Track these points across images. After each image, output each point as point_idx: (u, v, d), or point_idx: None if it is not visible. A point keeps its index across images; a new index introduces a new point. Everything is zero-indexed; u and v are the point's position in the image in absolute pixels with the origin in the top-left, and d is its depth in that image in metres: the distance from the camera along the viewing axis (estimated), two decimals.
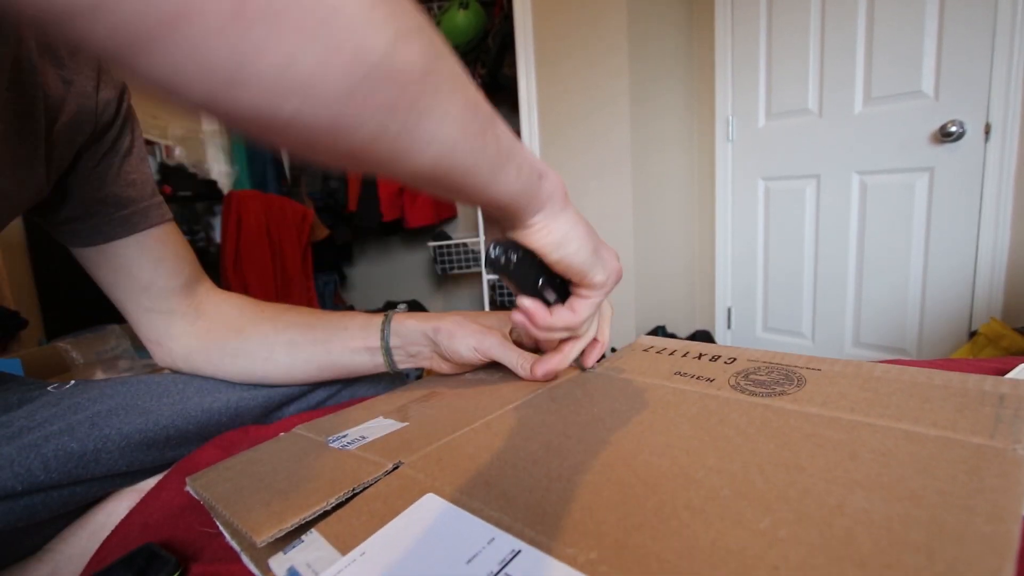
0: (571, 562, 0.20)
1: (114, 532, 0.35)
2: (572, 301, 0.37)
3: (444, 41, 0.23)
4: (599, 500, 0.24)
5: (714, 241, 2.17)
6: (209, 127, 2.25)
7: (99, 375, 1.51)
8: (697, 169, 2.20)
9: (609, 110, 1.97)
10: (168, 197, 2.01)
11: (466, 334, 0.46)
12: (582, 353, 0.43)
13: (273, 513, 0.27)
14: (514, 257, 0.33)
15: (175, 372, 0.49)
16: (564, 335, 0.38)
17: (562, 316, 0.36)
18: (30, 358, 1.50)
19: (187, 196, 2.08)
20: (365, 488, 0.29)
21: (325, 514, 0.27)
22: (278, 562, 0.24)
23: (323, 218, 2.44)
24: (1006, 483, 0.20)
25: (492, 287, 2.41)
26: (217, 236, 2.31)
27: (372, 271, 3.08)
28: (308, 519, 0.27)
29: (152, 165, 1.95)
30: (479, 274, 2.43)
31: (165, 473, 0.41)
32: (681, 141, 2.17)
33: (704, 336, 2.14)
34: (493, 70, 2.35)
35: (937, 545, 0.18)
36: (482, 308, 2.44)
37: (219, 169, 2.25)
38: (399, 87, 0.19)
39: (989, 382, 0.30)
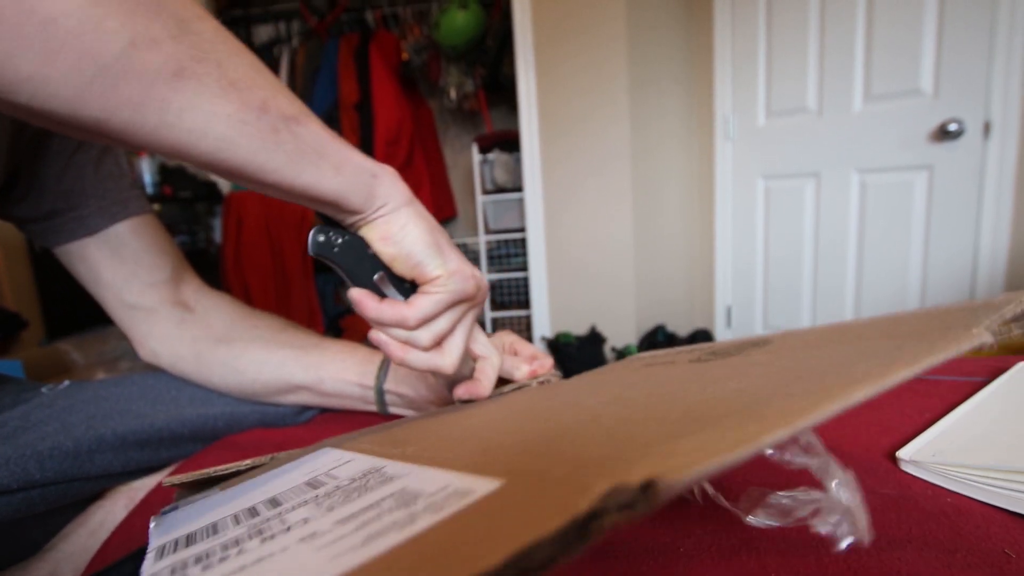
0: (387, 456, 0.22)
1: (116, 531, 0.35)
2: (412, 297, 0.35)
3: (217, 49, 0.25)
4: (465, 429, 0.26)
5: (714, 240, 2.17)
6: None
7: (100, 376, 1.51)
8: (696, 167, 2.20)
9: (609, 109, 1.97)
10: (168, 198, 2.01)
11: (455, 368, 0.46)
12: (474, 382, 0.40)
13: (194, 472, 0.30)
14: (339, 240, 0.33)
15: (165, 372, 0.49)
16: (400, 333, 0.35)
17: (394, 309, 0.33)
18: (31, 359, 1.50)
19: (187, 197, 2.08)
20: (289, 456, 0.32)
21: (242, 472, 0.31)
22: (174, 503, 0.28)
23: (323, 219, 2.44)
24: (925, 348, 0.18)
25: (493, 287, 2.41)
26: (217, 237, 2.31)
27: None
28: (216, 474, 0.30)
29: (152, 167, 1.95)
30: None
31: (169, 471, 0.41)
32: (680, 140, 2.17)
33: (704, 335, 2.14)
34: (493, 70, 2.35)
35: (783, 389, 0.17)
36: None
37: None
38: (143, 86, 0.22)
39: (984, 300, 0.25)
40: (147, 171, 1.93)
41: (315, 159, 0.29)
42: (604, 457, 0.14)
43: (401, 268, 0.34)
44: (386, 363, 0.47)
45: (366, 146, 2.43)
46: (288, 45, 2.56)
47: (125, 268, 0.45)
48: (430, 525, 0.14)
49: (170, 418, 0.42)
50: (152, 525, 0.25)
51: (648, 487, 0.10)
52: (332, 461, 0.26)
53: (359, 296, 0.33)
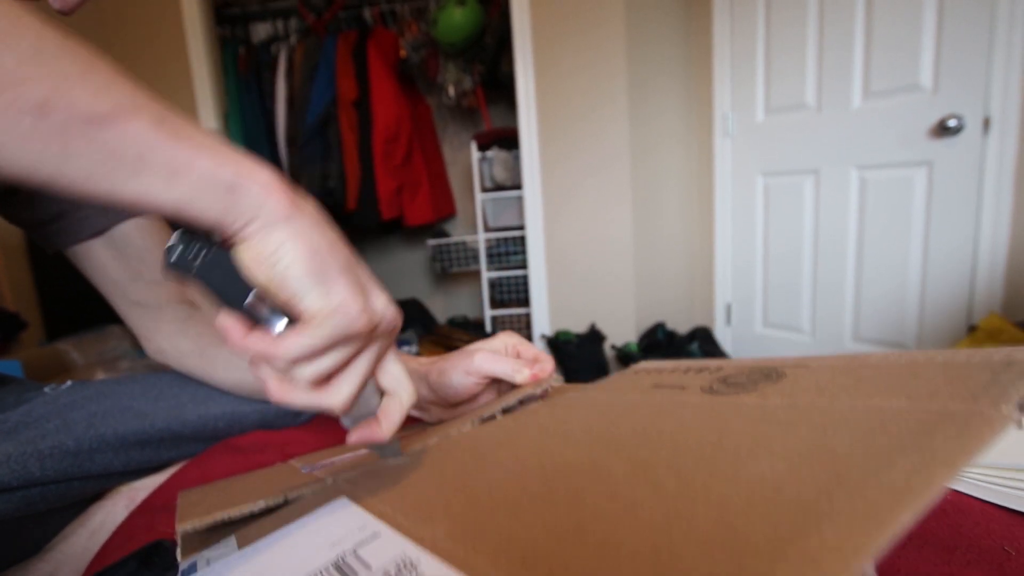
0: (419, 540, 0.21)
1: (116, 532, 0.35)
2: (286, 331, 0.29)
3: None
4: (490, 494, 0.23)
5: (713, 237, 2.17)
6: (207, 125, 2.25)
7: (100, 376, 1.51)
8: (696, 165, 2.20)
9: (607, 106, 1.97)
10: None
11: (455, 363, 0.45)
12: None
13: (204, 511, 0.29)
14: (202, 253, 0.27)
15: (167, 370, 0.49)
16: (270, 366, 0.29)
17: (262, 342, 0.27)
18: (30, 359, 1.50)
19: None
20: (298, 499, 0.30)
21: (256, 516, 0.29)
22: (189, 556, 0.27)
23: None
24: (958, 442, 0.17)
25: (492, 286, 2.41)
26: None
27: (372, 269, 3.06)
28: (229, 519, 0.29)
29: None
30: (478, 273, 2.43)
31: (171, 473, 0.41)
32: (679, 137, 2.17)
33: (703, 333, 2.14)
34: (491, 68, 2.35)
35: (825, 498, 0.16)
36: (481, 307, 2.44)
37: None
38: None
39: (1002, 352, 0.25)
40: None
41: (135, 167, 0.24)
42: None
43: (274, 298, 0.28)
44: None
45: (365, 143, 2.43)
46: (286, 43, 2.55)
47: (130, 267, 0.45)
48: None
49: (171, 418, 0.42)
50: None
51: None
52: (355, 530, 0.24)
53: (223, 323, 0.27)
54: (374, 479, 0.30)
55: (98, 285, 0.47)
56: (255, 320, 0.28)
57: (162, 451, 0.42)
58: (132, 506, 0.37)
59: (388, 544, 0.22)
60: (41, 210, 0.42)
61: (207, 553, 0.26)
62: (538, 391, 0.41)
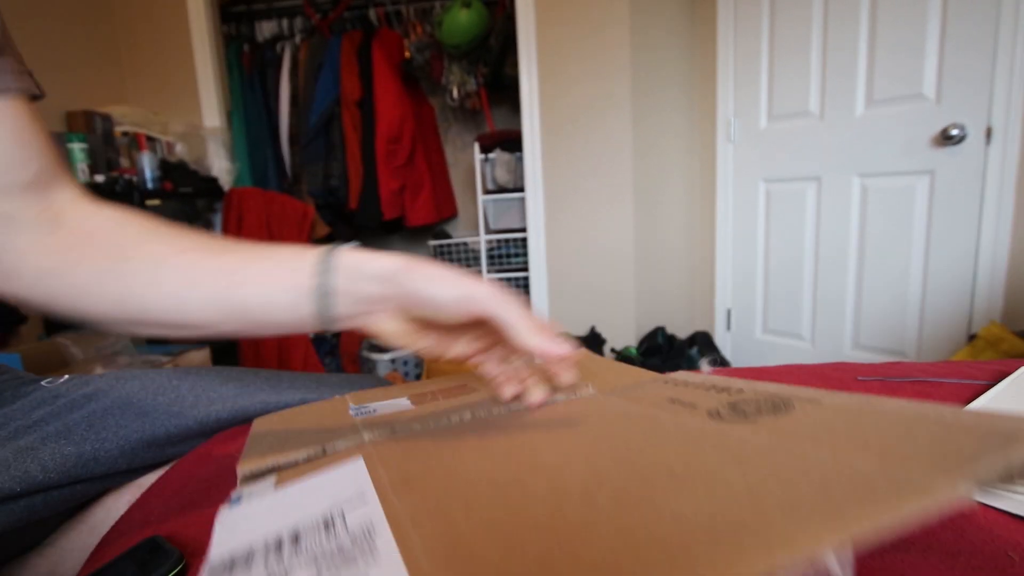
0: (391, 514, 0.24)
1: (114, 527, 0.35)
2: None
3: None
4: (464, 495, 0.25)
5: (714, 242, 2.17)
6: (210, 124, 2.25)
7: (98, 371, 1.51)
8: (698, 170, 2.20)
9: (611, 110, 1.97)
10: (169, 193, 2.00)
11: (449, 278, 0.33)
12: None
13: (264, 455, 0.33)
14: None
15: (20, 301, 0.37)
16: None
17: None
18: (30, 353, 1.50)
19: (188, 193, 2.07)
20: (333, 451, 0.34)
21: (298, 463, 0.33)
22: (239, 488, 0.31)
23: (324, 216, 2.43)
24: (874, 515, 0.18)
25: None
26: (218, 233, 2.31)
27: None
28: (281, 465, 0.33)
29: (153, 161, 1.95)
30: (479, 274, 2.43)
31: (166, 469, 0.41)
32: (682, 142, 2.17)
33: (704, 338, 2.14)
34: (495, 69, 2.35)
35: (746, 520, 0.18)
36: None
37: (220, 166, 2.25)
38: None
39: (1009, 422, 0.24)
40: (147, 166, 1.93)
41: None
42: None
43: None
44: (329, 253, 0.34)
45: (368, 143, 2.43)
46: (291, 42, 2.55)
47: None
48: None
49: (171, 415, 0.42)
50: (218, 518, 0.27)
51: None
52: (353, 489, 0.27)
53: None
54: (392, 444, 0.34)
55: None
56: None
57: (167, 448, 0.42)
58: (134, 501, 0.37)
59: (368, 509, 0.25)
60: None
61: (251, 488, 0.31)
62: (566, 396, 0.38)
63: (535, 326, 0.32)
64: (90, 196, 0.38)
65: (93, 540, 0.35)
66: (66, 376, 0.44)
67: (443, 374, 0.50)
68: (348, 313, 0.34)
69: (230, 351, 2.16)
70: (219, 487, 0.36)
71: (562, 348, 0.32)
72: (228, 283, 0.34)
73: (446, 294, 0.32)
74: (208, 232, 0.40)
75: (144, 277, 0.34)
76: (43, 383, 0.42)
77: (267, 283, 0.34)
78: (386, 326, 0.35)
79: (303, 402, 0.50)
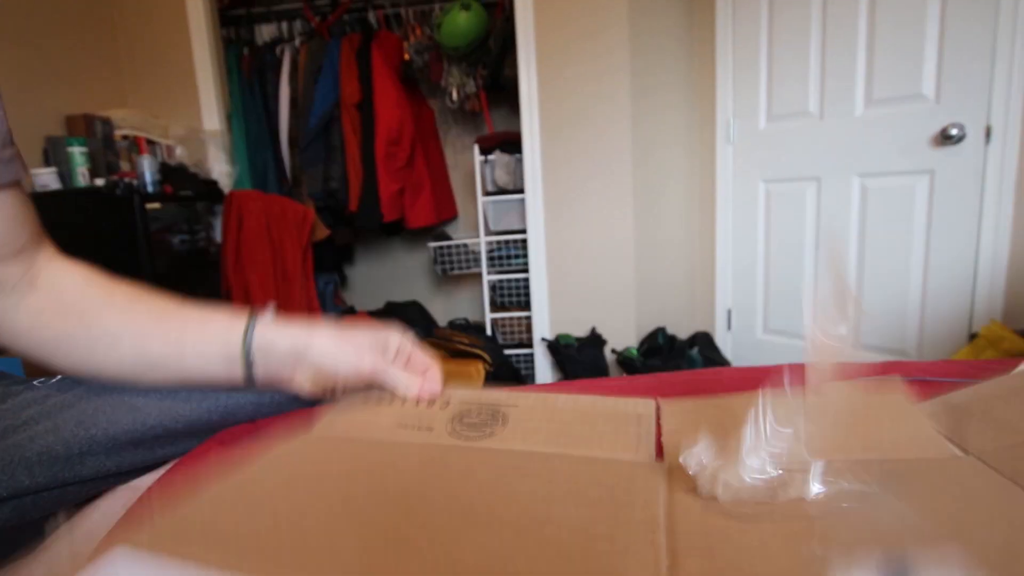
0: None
1: (112, 531, 0.35)
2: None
3: None
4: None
5: (714, 243, 2.17)
6: (210, 127, 2.25)
7: None
8: (698, 170, 2.20)
9: (610, 111, 1.97)
10: (168, 197, 2.00)
11: (346, 354, 0.42)
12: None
13: None
14: None
15: (22, 355, 0.42)
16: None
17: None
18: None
19: (188, 196, 2.08)
20: None
21: None
22: None
23: (324, 218, 2.43)
24: (648, 484, 0.30)
25: (493, 288, 2.41)
26: (217, 236, 2.31)
27: (372, 272, 3.07)
28: None
29: (153, 165, 1.95)
30: (479, 275, 2.42)
31: (166, 469, 0.41)
32: (682, 143, 2.17)
33: (704, 338, 2.14)
34: (494, 71, 2.35)
35: (616, 532, 0.25)
36: (482, 309, 2.44)
37: (220, 169, 2.25)
38: None
39: (632, 404, 0.40)
40: (147, 169, 1.92)
41: None
42: None
43: None
44: (250, 328, 0.42)
45: (367, 146, 2.43)
46: (290, 44, 2.56)
47: None
48: None
49: (163, 411, 0.41)
50: None
51: None
52: None
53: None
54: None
55: None
56: None
57: (156, 449, 0.41)
58: (130, 505, 0.37)
59: None
60: None
61: None
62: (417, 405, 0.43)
63: (408, 383, 0.42)
64: (60, 254, 0.44)
65: (89, 543, 0.35)
66: (59, 376, 0.44)
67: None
68: (269, 379, 0.44)
69: None
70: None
71: (431, 392, 0.42)
72: (173, 352, 0.42)
73: (340, 370, 0.42)
74: (151, 291, 0.44)
75: (102, 346, 0.41)
76: (35, 383, 0.42)
77: (204, 354, 0.42)
78: (303, 385, 0.44)
79: (297, 399, 0.49)
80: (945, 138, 1.55)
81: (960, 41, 1.51)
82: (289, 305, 2.32)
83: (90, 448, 0.37)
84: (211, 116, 2.24)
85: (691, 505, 0.27)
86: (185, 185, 2.08)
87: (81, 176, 1.95)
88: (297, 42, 2.56)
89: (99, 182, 1.93)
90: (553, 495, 0.29)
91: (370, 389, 0.44)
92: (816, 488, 0.27)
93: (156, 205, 2.02)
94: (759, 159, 2.00)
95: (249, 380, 0.43)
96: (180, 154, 2.18)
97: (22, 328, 0.40)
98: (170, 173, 2.06)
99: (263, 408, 0.47)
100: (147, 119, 2.15)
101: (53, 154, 1.95)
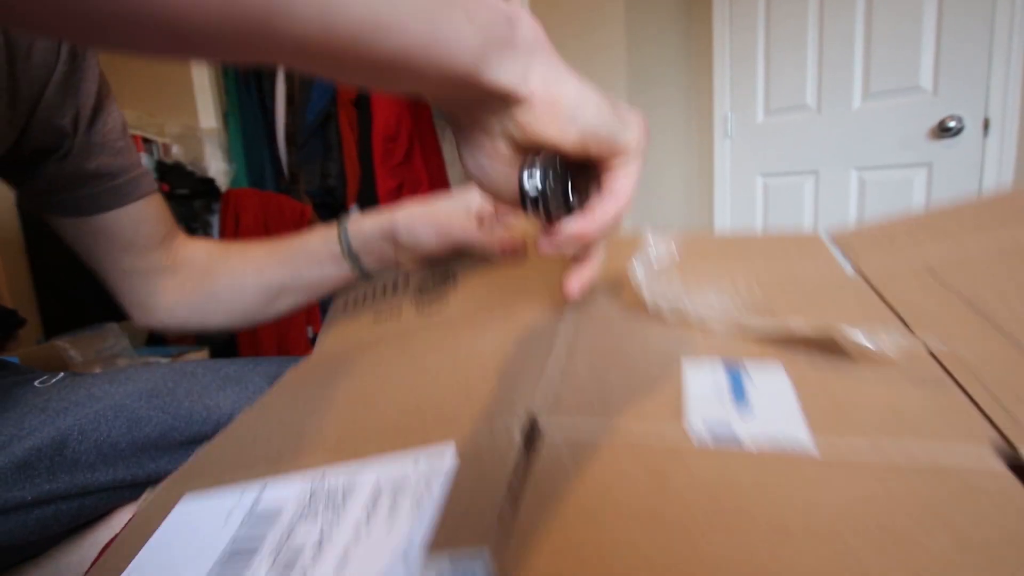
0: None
1: (115, 539, 0.35)
2: (609, 183, 0.28)
3: None
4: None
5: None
6: (207, 125, 2.24)
7: (99, 372, 1.50)
8: (695, 164, 2.20)
9: None
10: (165, 195, 2.00)
11: (426, 223, 0.44)
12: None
13: None
14: (552, 176, 0.25)
15: (155, 328, 0.51)
16: (607, 234, 0.29)
17: (607, 207, 0.27)
18: (28, 356, 1.50)
19: (184, 194, 2.07)
20: None
21: None
22: None
23: (322, 215, 2.43)
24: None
25: None
26: (215, 234, 2.30)
27: None
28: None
29: (149, 163, 1.94)
30: None
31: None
32: (679, 138, 2.17)
33: None
34: None
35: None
36: None
37: (217, 167, 2.25)
38: None
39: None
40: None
41: (446, 3, 0.19)
42: None
43: (584, 149, 0.26)
44: (343, 228, 0.47)
45: (365, 142, 2.42)
46: None
47: (129, 235, 0.46)
48: None
49: (163, 426, 0.41)
50: None
51: None
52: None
53: (582, 227, 0.27)
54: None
55: (90, 253, 0.47)
56: (569, 211, 0.28)
57: (161, 461, 0.41)
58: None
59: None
60: (80, 162, 0.43)
61: None
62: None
63: (492, 243, 0.43)
64: (188, 237, 0.53)
65: (92, 554, 0.35)
66: (61, 374, 0.43)
67: None
68: (378, 265, 0.48)
69: (229, 353, 2.16)
70: None
71: (581, 287, 0.36)
72: (290, 270, 0.48)
73: (429, 241, 0.44)
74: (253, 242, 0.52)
75: (230, 293, 0.48)
76: (36, 383, 0.42)
77: (315, 264, 0.47)
78: (407, 264, 0.47)
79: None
80: (943, 130, 1.55)
81: (957, 32, 1.50)
82: None
83: (98, 457, 0.37)
84: (208, 114, 2.23)
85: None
86: (182, 183, 2.08)
87: None
88: None
89: None
90: (494, 350, 0.31)
91: (462, 256, 0.46)
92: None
93: None
94: (757, 153, 2.00)
95: (361, 272, 0.47)
96: (177, 152, 2.17)
97: (170, 303, 0.48)
98: (167, 171, 2.05)
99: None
100: (143, 117, 2.14)
101: None
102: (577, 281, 0.33)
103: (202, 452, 0.31)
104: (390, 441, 0.24)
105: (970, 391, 0.21)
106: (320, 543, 0.19)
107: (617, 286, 0.37)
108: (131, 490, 0.40)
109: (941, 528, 0.15)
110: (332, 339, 0.44)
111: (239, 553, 0.21)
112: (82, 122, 0.42)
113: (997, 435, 0.19)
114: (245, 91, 2.54)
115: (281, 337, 2.30)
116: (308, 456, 0.25)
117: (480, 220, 0.44)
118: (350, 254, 0.47)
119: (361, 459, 0.23)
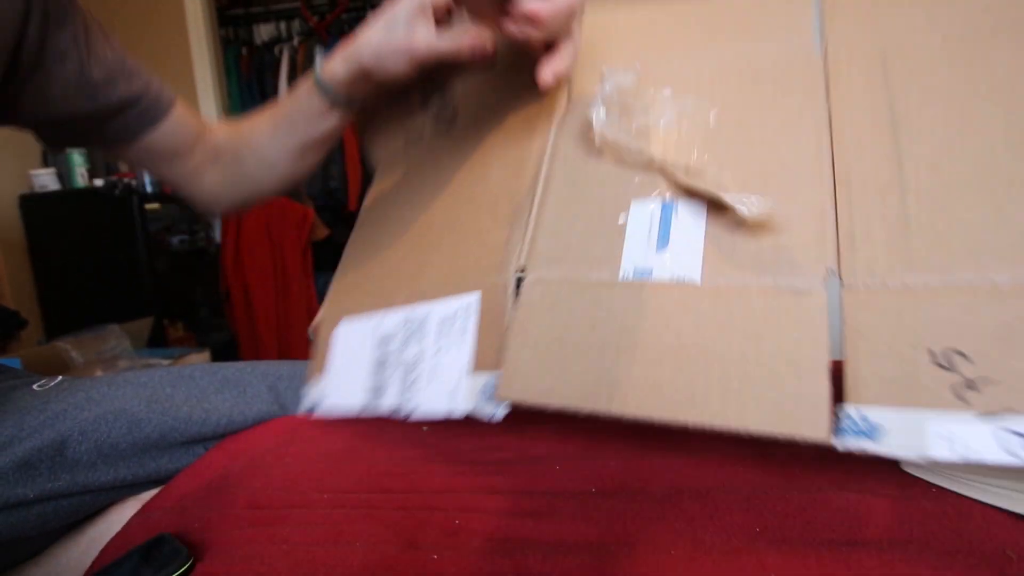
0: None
1: (118, 534, 0.35)
2: None
3: None
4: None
5: None
6: None
7: (99, 375, 1.51)
8: None
9: None
10: (169, 197, 2.01)
11: (392, 50, 0.40)
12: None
13: None
14: None
15: (200, 207, 0.57)
16: (566, 13, 0.33)
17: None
18: (30, 358, 1.50)
19: None
20: None
21: None
22: None
23: (323, 217, 2.43)
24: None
25: None
26: (217, 235, 2.31)
27: None
28: None
29: None
30: None
31: (170, 482, 0.41)
32: None
33: None
34: None
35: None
36: None
37: None
38: None
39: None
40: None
41: None
42: None
43: None
44: (318, 78, 0.47)
45: None
46: (289, 44, 2.56)
47: (177, 144, 0.51)
48: None
49: (162, 429, 0.41)
50: None
51: None
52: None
53: (539, 6, 0.32)
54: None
55: (153, 171, 0.54)
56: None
57: (162, 461, 0.41)
58: (137, 510, 0.37)
59: None
60: (127, 86, 0.46)
61: None
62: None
63: (461, 49, 0.40)
64: (209, 119, 0.57)
65: (92, 551, 0.35)
66: (59, 377, 0.43)
67: None
68: (357, 100, 0.48)
69: (230, 355, 2.16)
70: (223, 493, 0.36)
71: (556, 75, 0.38)
72: (284, 126, 0.50)
73: (398, 67, 0.41)
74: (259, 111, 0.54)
75: (255, 161, 0.53)
76: (34, 387, 0.42)
77: (303, 110, 0.48)
78: (389, 91, 0.49)
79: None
80: None
81: None
82: (289, 304, 2.32)
83: (98, 458, 0.37)
84: (210, 116, 2.24)
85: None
86: None
87: (80, 177, 1.95)
88: (296, 42, 2.56)
89: (98, 183, 1.93)
90: (484, 160, 0.42)
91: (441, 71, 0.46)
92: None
93: (155, 206, 2.02)
94: None
95: (343, 108, 0.48)
96: None
97: (219, 192, 0.55)
98: None
99: (262, 416, 0.46)
100: None
101: (52, 155, 1.95)
102: (550, 71, 0.36)
103: (341, 282, 0.48)
104: (444, 286, 0.36)
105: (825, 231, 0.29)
106: (418, 358, 0.35)
107: (587, 126, 0.37)
108: (132, 489, 0.40)
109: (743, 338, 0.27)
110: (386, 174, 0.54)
111: (380, 363, 0.37)
112: (85, 61, 0.44)
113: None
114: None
115: (281, 338, 2.30)
116: (402, 294, 0.39)
117: (436, 13, 0.39)
118: (324, 89, 0.46)
119: (429, 300, 0.36)
